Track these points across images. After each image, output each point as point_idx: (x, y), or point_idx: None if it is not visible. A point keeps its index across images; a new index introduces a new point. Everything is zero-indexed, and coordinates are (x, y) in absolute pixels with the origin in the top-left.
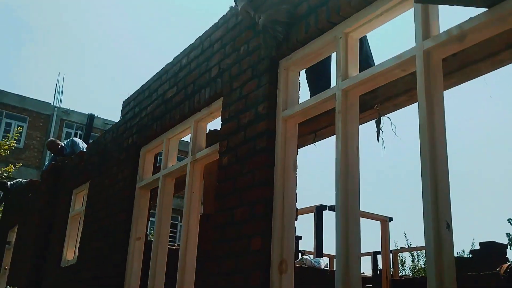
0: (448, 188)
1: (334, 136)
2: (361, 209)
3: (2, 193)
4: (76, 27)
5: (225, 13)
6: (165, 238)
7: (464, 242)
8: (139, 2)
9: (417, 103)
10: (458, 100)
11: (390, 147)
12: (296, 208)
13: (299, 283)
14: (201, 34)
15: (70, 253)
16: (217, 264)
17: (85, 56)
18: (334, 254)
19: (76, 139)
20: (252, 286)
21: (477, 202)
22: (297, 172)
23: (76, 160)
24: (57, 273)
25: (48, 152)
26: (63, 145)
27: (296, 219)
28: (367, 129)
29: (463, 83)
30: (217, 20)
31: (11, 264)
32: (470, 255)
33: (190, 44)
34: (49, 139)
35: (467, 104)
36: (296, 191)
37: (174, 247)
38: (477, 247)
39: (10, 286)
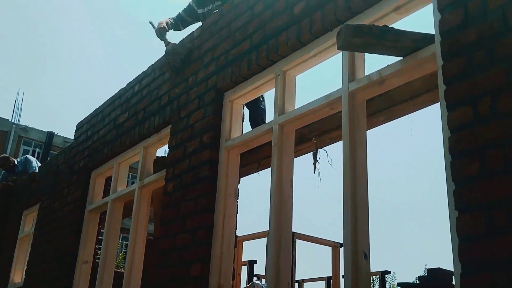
0: (367, 222)
1: None
2: (313, 235)
3: None
4: (37, 44)
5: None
6: (112, 261)
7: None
8: (103, 22)
9: (342, 141)
10: (391, 136)
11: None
12: (236, 235)
13: None
14: (153, 62)
15: (17, 276)
16: None
17: (45, 73)
18: None
19: (30, 158)
20: None
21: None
22: (238, 199)
23: (27, 181)
24: None
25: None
26: (15, 162)
27: (236, 246)
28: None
29: (391, 121)
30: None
31: None
32: (418, 281)
33: (143, 71)
34: (1, 155)
35: (399, 139)
36: (236, 218)
37: (122, 270)
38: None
39: None
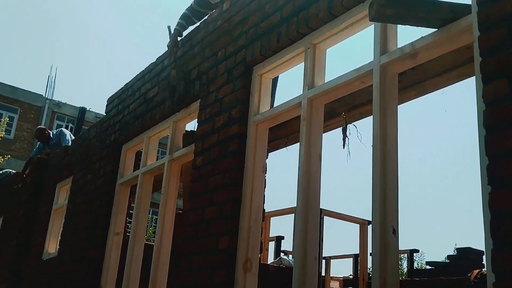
0: (397, 197)
1: None
2: (340, 212)
3: None
4: (71, 20)
5: (206, 17)
6: (142, 233)
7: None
8: None
9: (372, 116)
10: (422, 111)
11: (368, 153)
12: (264, 210)
13: (277, 282)
14: (183, 36)
15: (51, 246)
16: (187, 260)
17: (78, 49)
18: (293, 263)
19: (65, 131)
20: (218, 282)
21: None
22: (266, 174)
23: (60, 154)
24: (38, 265)
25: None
26: (51, 134)
27: (263, 221)
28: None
29: (423, 96)
30: (198, 24)
31: None
32: (447, 260)
33: None
34: (38, 126)
35: (430, 114)
36: (264, 193)
37: (152, 243)
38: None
39: None
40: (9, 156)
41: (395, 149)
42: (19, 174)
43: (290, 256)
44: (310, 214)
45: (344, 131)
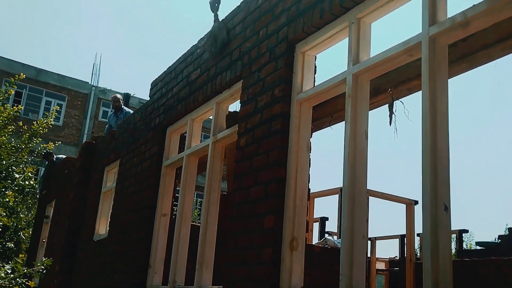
0: (448, 173)
1: None
2: (386, 192)
3: (47, 164)
4: (113, 7)
5: None
6: (188, 214)
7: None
8: None
9: (420, 91)
10: (473, 85)
11: (416, 130)
12: (309, 189)
13: (322, 262)
14: (224, 17)
15: (102, 228)
16: (233, 240)
17: (121, 36)
18: (341, 242)
19: (130, 112)
20: (264, 261)
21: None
22: (310, 153)
23: (107, 139)
24: (90, 246)
25: (87, 128)
26: (122, 106)
27: (309, 200)
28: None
29: (474, 69)
30: (239, 3)
31: (48, 237)
32: (499, 241)
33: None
34: (116, 95)
35: (481, 88)
36: (309, 172)
37: (198, 224)
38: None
39: (46, 258)
40: (60, 142)
41: (445, 125)
42: (69, 160)
43: (335, 237)
44: (357, 193)
45: (391, 108)
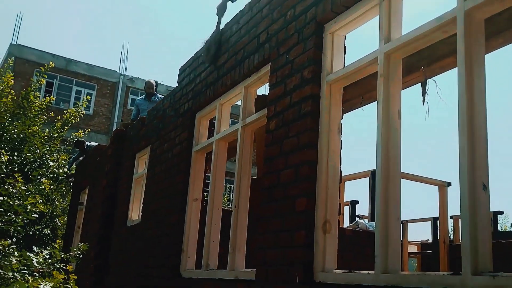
0: (486, 151)
1: None
2: (418, 174)
3: (78, 150)
4: None
5: None
6: (219, 198)
7: None
8: None
9: (455, 68)
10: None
11: (450, 111)
12: (341, 171)
13: (354, 245)
14: (223, 26)
15: (135, 214)
16: (265, 223)
17: (147, 25)
18: (375, 223)
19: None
20: (297, 244)
21: None
22: (341, 135)
23: (137, 126)
24: (123, 232)
25: (116, 117)
26: (155, 92)
27: (341, 182)
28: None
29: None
30: None
31: (83, 224)
32: None
33: (240, 10)
34: (150, 80)
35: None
36: (341, 154)
37: (230, 209)
38: None
39: (82, 243)
40: (89, 130)
41: (483, 103)
42: (101, 147)
43: (366, 220)
44: (391, 174)
45: (424, 87)
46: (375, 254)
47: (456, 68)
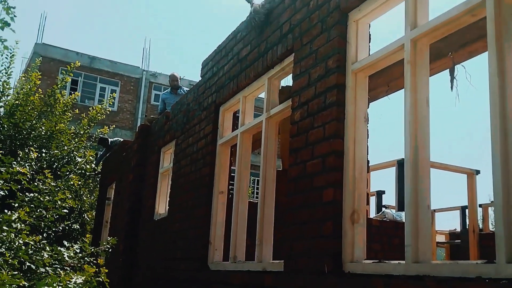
0: None
1: None
2: (445, 163)
3: (104, 149)
4: None
5: None
6: (245, 191)
7: None
8: None
9: (485, 53)
10: None
11: (478, 97)
12: (368, 161)
13: (381, 236)
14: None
15: (161, 207)
16: (292, 214)
17: (169, 20)
18: (404, 213)
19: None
20: (325, 235)
21: None
22: (368, 124)
23: (162, 121)
24: (151, 226)
25: (140, 112)
26: (180, 85)
27: (368, 171)
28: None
29: None
30: None
31: (111, 218)
32: None
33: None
34: (174, 73)
35: None
36: (367, 143)
37: (255, 201)
38: None
39: (111, 237)
40: (114, 126)
41: None
42: (126, 143)
43: (393, 210)
44: (420, 162)
45: (452, 72)
46: (405, 243)
47: (485, 53)
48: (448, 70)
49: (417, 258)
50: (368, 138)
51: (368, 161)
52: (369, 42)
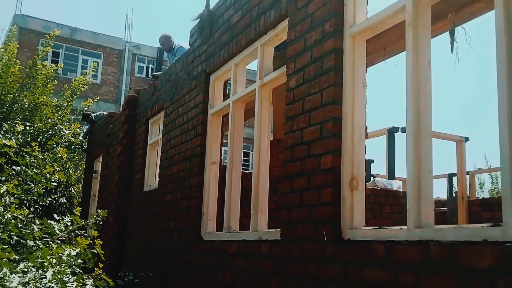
0: None
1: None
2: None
3: (89, 125)
4: None
5: None
6: (239, 161)
7: None
8: None
9: (487, 13)
10: None
11: (470, 62)
12: (366, 127)
13: (372, 204)
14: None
15: (151, 179)
16: (289, 182)
17: None
18: (406, 177)
19: (185, 47)
20: (324, 202)
21: None
22: (366, 90)
23: (149, 91)
24: (141, 198)
25: (124, 85)
26: (174, 45)
27: (366, 138)
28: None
29: None
30: None
31: (99, 191)
32: None
33: None
34: (164, 34)
35: None
36: (366, 109)
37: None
38: None
39: (101, 210)
40: (98, 98)
41: None
42: (113, 115)
43: (384, 179)
44: (422, 126)
45: (452, 34)
46: (407, 208)
47: (486, 15)
48: (448, 32)
49: (420, 223)
50: (366, 104)
51: (366, 127)
52: (367, 4)
